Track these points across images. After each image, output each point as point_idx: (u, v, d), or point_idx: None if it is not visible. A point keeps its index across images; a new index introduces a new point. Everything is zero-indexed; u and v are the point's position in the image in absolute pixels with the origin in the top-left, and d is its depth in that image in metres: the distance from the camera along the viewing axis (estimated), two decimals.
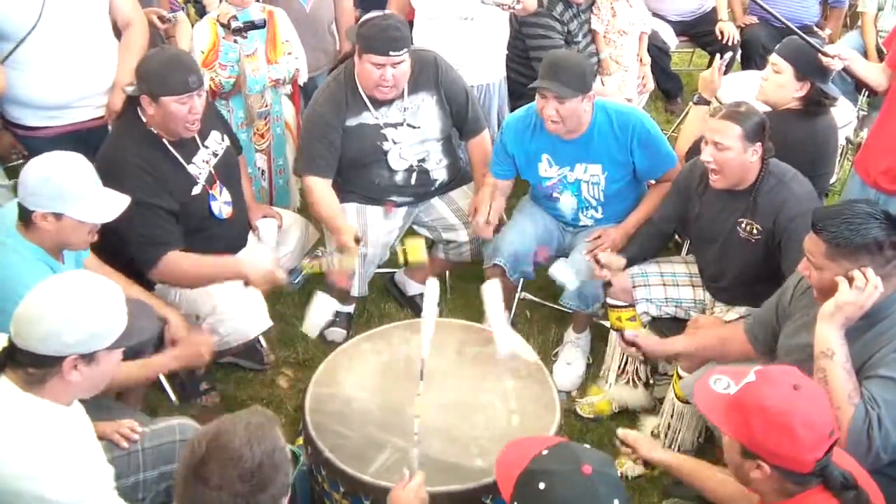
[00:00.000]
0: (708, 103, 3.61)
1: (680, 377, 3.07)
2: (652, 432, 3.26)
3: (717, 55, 3.71)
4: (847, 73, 3.41)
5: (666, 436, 3.20)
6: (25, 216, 2.46)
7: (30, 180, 2.43)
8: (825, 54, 3.17)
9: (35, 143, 3.36)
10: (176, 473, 1.69)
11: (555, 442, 1.88)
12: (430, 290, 2.74)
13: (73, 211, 2.46)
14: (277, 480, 1.66)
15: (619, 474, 3.11)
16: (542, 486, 1.75)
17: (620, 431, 2.49)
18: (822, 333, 2.23)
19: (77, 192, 2.46)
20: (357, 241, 3.32)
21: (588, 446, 1.92)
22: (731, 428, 1.91)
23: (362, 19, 3.38)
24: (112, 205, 2.57)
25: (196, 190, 3.11)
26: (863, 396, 2.17)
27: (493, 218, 3.50)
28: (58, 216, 2.45)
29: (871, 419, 2.13)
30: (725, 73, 4.87)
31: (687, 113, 3.91)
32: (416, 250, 3.30)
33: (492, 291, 2.84)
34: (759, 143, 2.90)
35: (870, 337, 2.26)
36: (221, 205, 3.20)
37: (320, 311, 3.22)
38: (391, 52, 3.24)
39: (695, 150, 3.36)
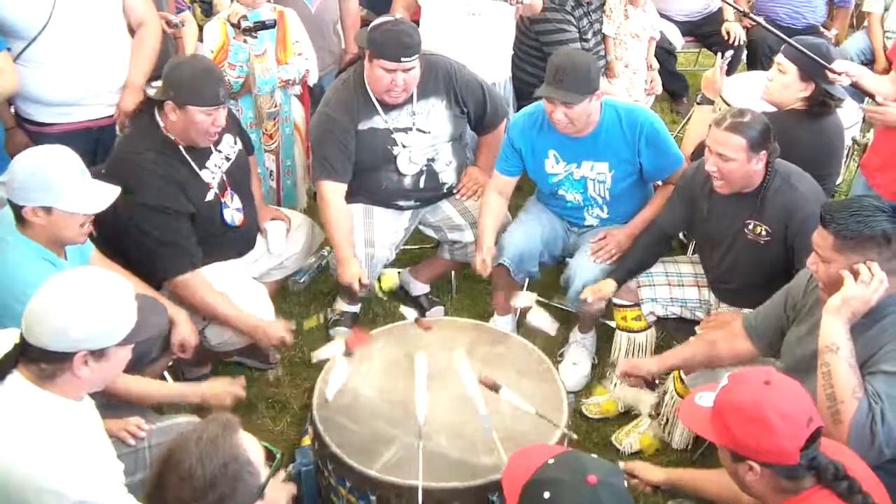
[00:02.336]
0: (711, 103, 3.61)
1: (682, 379, 3.09)
2: (649, 414, 3.27)
3: (719, 54, 3.71)
4: (857, 89, 3.36)
5: (662, 427, 3.23)
6: (17, 213, 2.47)
7: (17, 175, 2.45)
8: (832, 71, 3.15)
9: (46, 139, 3.36)
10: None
11: (562, 451, 1.89)
12: (420, 364, 2.66)
13: (62, 203, 2.46)
14: (238, 490, 1.64)
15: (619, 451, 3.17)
16: (547, 495, 1.75)
17: (624, 465, 2.49)
18: (828, 328, 2.24)
19: (63, 183, 2.46)
20: (362, 285, 3.33)
21: (595, 456, 1.92)
22: (716, 435, 1.95)
23: (373, 23, 3.36)
24: (101, 195, 2.57)
25: (209, 196, 3.13)
26: (866, 392, 2.18)
27: (488, 256, 3.43)
28: (47, 210, 2.46)
29: (875, 414, 2.15)
30: (729, 73, 4.88)
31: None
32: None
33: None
34: (763, 152, 2.89)
35: (873, 333, 2.27)
36: (233, 212, 3.22)
37: (331, 350, 3.16)
38: (403, 59, 3.24)
39: (700, 150, 3.36)
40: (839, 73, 3.16)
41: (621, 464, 2.50)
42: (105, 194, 2.58)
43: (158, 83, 3.03)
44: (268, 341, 3.15)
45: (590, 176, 3.43)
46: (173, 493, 1.61)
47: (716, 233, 3.13)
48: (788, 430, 1.85)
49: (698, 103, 3.62)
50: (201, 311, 3.11)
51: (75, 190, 2.49)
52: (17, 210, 2.46)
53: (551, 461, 1.82)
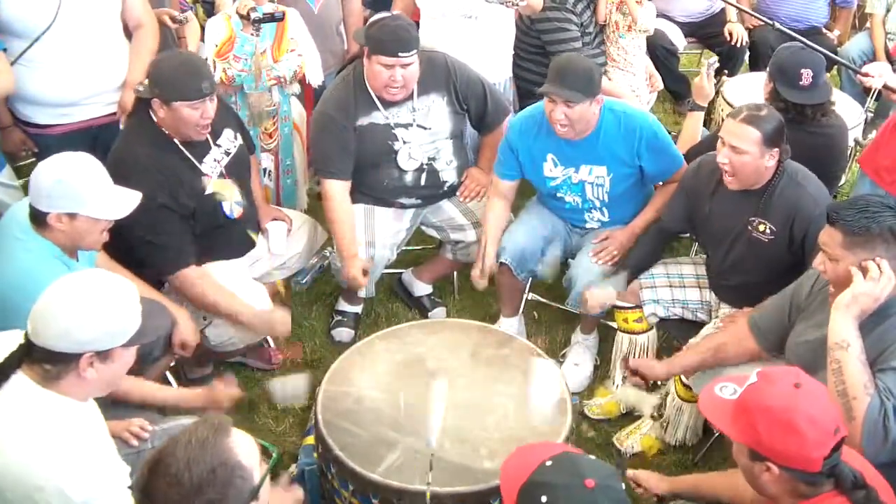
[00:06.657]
0: (702, 109, 3.61)
1: (683, 382, 3.09)
2: (651, 415, 3.28)
3: (705, 61, 3.70)
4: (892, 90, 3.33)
5: (664, 428, 3.23)
6: (39, 218, 2.47)
7: (42, 183, 2.44)
8: (864, 74, 3.13)
9: (45, 140, 3.38)
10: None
11: (559, 451, 1.86)
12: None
13: (87, 210, 2.47)
14: (228, 495, 1.63)
15: (621, 453, 3.19)
16: (544, 499, 1.73)
17: (630, 473, 2.49)
18: (837, 324, 2.24)
19: (88, 190, 2.47)
20: (365, 273, 3.40)
21: (593, 457, 1.89)
22: (737, 432, 1.92)
23: (370, 20, 3.38)
24: (124, 201, 2.59)
25: (208, 189, 3.12)
26: (877, 388, 2.18)
27: (487, 271, 3.49)
28: (72, 216, 2.46)
29: (887, 409, 2.15)
30: (732, 74, 4.88)
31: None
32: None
33: None
34: (776, 149, 2.88)
35: (882, 331, 2.28)
36: (232, 204, 3.21)
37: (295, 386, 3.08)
38: (401, 53, 3.25)
39: (692, 154, 3.37)
40: (871, 76, 3.14)
41: (629, 472, 2.50)
42: (127, 199, 2.59)
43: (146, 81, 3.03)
44: (275, 333, 3.14)
45: (588, 179, 3.43)
46: (161, 498, 1.59)
47: (720, 230, 3.11)
48: (816, 437, 1.83)
49: (689, 110, 3.62)
50: (202, 307, 3.10)
51: (100, 196, 2.50)
52: (41, 215, 2.46)
53: (548, 462, 1.80)
